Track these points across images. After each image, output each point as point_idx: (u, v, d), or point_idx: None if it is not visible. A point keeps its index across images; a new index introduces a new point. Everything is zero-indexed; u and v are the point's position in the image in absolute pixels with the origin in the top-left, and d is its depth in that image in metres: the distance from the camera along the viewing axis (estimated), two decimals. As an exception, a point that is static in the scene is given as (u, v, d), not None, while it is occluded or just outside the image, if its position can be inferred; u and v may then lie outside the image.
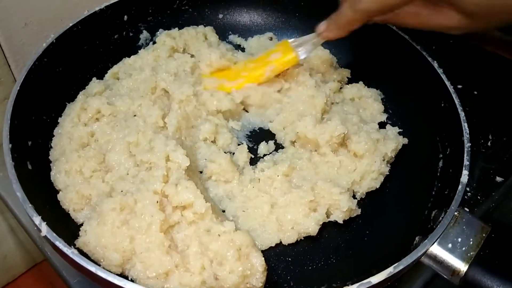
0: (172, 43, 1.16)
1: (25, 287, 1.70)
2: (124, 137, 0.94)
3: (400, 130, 1.06)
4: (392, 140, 1.01)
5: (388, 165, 1.01)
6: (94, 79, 1.09)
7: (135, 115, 0.99)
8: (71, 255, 0.70)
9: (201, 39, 1.19)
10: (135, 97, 1.02)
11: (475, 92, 1.32)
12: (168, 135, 0.95)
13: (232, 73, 1.11)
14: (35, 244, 1.04)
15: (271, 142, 1.06)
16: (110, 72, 1.12)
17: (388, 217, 0.96)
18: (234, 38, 1.29)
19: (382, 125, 1.09)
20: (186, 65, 1.10)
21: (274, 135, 1.09)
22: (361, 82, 1.16)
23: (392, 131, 1.05)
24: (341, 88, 1.16)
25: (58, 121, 1.00)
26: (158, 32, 1.22)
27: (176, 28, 1.21)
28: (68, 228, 0.85)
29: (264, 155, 1.04)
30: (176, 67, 1.09)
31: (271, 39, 1.28)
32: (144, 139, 0.92)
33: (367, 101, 1.12)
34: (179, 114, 0.99)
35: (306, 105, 1.05)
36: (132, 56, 1.15)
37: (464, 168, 0.86)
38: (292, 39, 1.07)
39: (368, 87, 1.15)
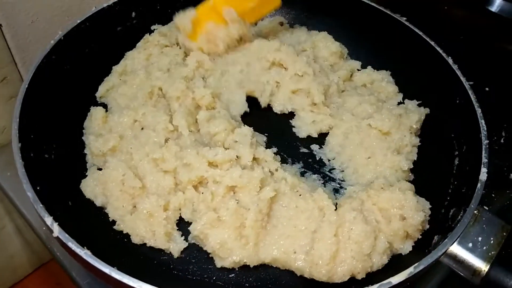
0: (165, 41, 1.13)
1: (31, 287, 1.69)
2: (147, 155, 0.90)
3: (419, 102, 1.07)
4: (414, 112, 1.02)
5: (417, 137, 1.02)
6: (91, 107, 1.02)
7: (142, 128, 0.96)
8: (84, 256, 0.69)
9: None
10: (136, 107, 0.99)
11: (487, 89, 1.30)
12: (186, 141, 0.93)
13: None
14: (43, 244, 1.03)
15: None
16: (99, 92, 1.07)
17: (404, 215, 0.94)
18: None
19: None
20: (178, 57, 1.08)
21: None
22: (369, 67, 1.16)
23: (412, 104, 1.06)
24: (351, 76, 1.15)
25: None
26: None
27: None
28: (79, 227, 0.83)
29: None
30: (168, 62, 1.07)
31: (282, 24, 1.26)
32: (169, 154, 0.89)
33: (380, 85, 1.12)
34: (182, 112, 0.96)
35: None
36: (121, 61, 1.11)
37: (482, 165, 0.84)
38: None
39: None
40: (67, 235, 0.71)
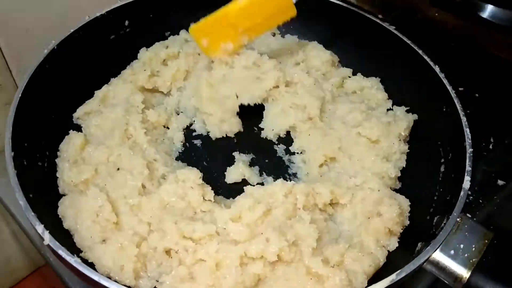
0: (150, 68, 1.11)
1: (27, 290, 1.71)
2: (124, 197, 0.87)
3: (407, 108, 1.08)
4: (403, 119, 1.04)
5: (406, 143, 1.04)
6: (70, 131, 0.99)
7: (118, 169, 0.93)
8: (74, 264, 0.70)
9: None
10: (112, 146, 0.95)
11: (477, 95, 1.32)
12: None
13: (225, 32, 1.00)
14: (37, 250, 1.04)
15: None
16: (77, 114, 1.04)
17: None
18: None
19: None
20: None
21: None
22: (359, 74, 1.18)
23: (400, 110, 1.08)
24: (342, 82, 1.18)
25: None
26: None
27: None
28: (71, 234, 0.85)
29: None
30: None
31: (274, 35, 1.28)
32: (146, 206, 0.86)
33: (370, 92, 1.14)
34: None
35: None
36: (103, 87, 1.08)
37: (466, 174, 0.86)
38: None
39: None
40: (57, 243, 0.72)
